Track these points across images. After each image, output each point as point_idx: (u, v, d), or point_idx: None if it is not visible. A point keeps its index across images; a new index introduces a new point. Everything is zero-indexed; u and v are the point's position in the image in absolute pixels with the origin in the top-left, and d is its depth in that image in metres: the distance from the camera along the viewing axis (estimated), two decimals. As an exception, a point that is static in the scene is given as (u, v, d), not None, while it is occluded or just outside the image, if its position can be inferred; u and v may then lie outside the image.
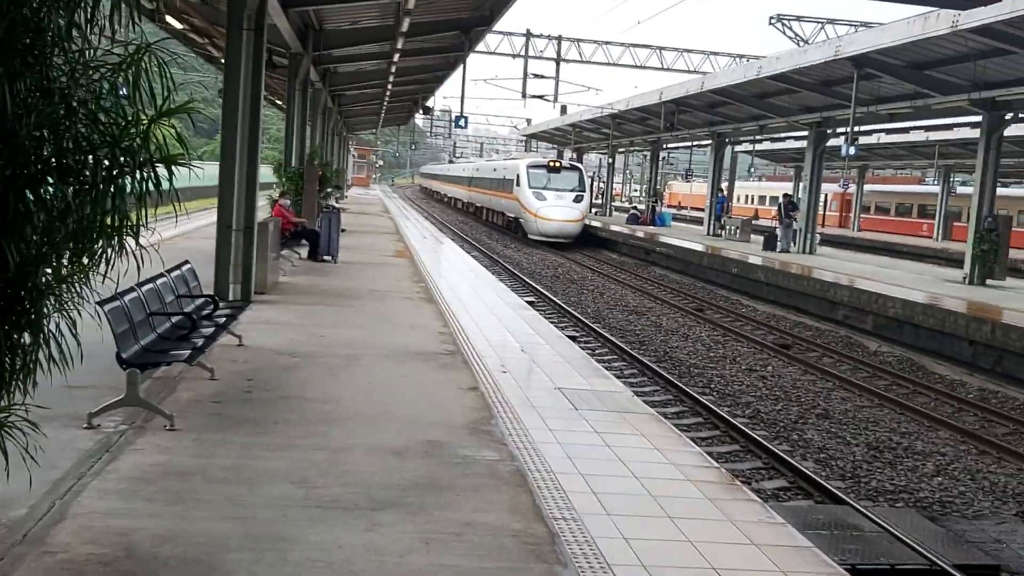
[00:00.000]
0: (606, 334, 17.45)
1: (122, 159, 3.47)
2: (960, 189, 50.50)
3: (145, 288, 7.34)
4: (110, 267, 3.56)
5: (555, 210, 36.50)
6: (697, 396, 12.91)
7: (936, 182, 49.81)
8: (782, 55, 25.48)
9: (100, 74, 3.48)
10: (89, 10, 3.37)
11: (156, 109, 3.93)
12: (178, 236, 21.93)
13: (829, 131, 29.57)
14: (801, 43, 30.99)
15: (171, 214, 3.74)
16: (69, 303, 3.54)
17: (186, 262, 9.02)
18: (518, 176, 39.18)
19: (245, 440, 6.15)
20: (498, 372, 9.09)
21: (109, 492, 5.07)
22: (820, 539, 7.68)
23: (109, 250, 3.53)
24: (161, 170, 3.64)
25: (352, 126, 58.90)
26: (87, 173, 3.45)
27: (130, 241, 3.56)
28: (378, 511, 5.02)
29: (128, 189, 3.49)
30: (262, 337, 9.79)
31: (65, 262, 3.59)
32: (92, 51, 3.49)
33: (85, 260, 3.59)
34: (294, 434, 6.40)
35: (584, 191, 38.76)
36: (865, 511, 8.98)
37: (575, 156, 56.63)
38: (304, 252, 18.66)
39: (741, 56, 39.99)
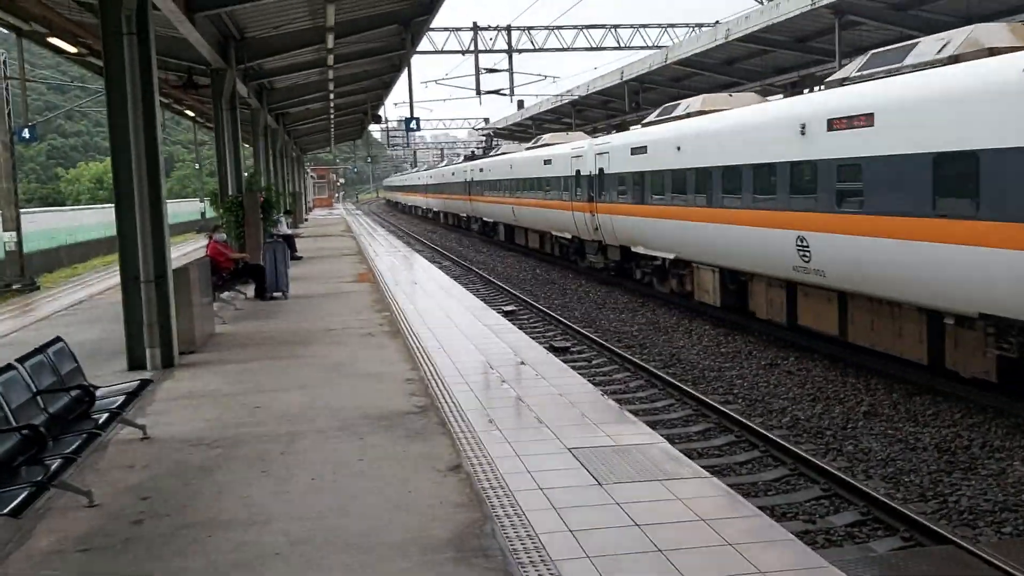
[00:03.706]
0: (602, 340, 15.32)
1: None
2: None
3: (-29, 395, 5.12)
4: None
5: None
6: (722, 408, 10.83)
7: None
8: (751, 14, 23.54)
9: None
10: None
11: None
12: (109, 289, 19.59)
13: (807, 91, 27.80)
14: (766, 1, 29.12)
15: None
16: None
17: (56, 340, 6.78)
18: None
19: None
20: (485, 432, 6.93)
21: None
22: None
23: None
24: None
25: (304, 146, 56.48)
26: None
27: None
28: None
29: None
30: (177, 421, 7.56)
31: None
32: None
33: None
34: (191, 601, 4.23)
35: None
36: (977, 551, 6.93)
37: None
38: (251, 291, 16.41)
39: (700, 25, 38.12)
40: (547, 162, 27.19)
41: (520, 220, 31.78)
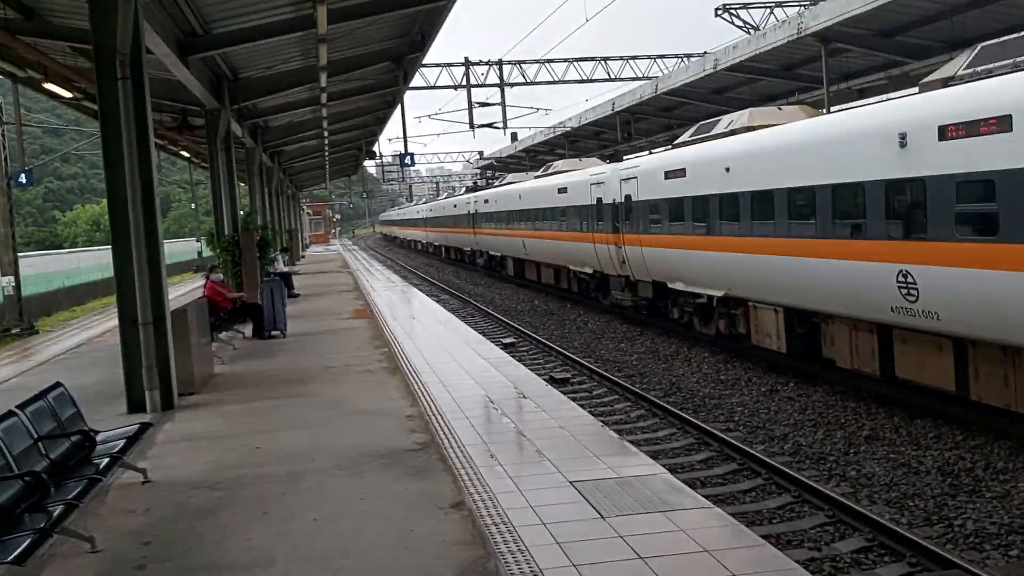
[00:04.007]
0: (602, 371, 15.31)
1: None
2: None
3: (-30, 444, 5.12)
4: None
5: None
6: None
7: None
8: (739, 43, 23.80)
9: None
10: None
11: None
12: (107, 332, 19.58)
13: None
14: (752, 31, 29.45)
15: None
16: None
17: (56, 386, 6.79)
18: None
19: None
20: (487, 467, 6.93)
21: None
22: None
23: None
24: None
25: (299, 182, 56.77)
26: None
27: None
28: None
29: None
30: (178, 464, 7.55)
31: None
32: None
33: None
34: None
35: None
36: (985, 575, 6.91)
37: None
38: (249, 330, 16.41)
39: (688, 55, 38.54)
40: (562, 190, 24.96)
41: (532, 254, 29.48)
